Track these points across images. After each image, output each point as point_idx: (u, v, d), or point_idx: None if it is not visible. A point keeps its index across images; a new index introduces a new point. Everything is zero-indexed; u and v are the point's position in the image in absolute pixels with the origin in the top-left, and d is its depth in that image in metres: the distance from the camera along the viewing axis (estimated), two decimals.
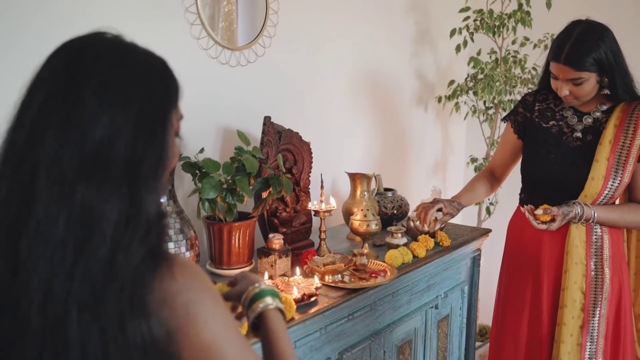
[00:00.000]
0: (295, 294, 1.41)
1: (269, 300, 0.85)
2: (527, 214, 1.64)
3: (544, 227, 1.62)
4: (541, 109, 1.78)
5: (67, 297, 0.59)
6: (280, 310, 0.86)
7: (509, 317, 1.84)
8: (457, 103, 2.64)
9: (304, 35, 2.09)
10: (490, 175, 1.92)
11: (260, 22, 1.90)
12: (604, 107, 1.70)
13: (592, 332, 1.67)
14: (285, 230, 1.79)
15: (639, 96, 1.67)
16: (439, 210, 1.74)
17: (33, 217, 0.60)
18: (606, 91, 1.64)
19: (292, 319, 1.34)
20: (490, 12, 2.40)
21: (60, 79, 0.64)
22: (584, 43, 1.57)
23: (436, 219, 1.77)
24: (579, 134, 1.71)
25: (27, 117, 0.63)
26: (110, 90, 0.63)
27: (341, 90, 2.32)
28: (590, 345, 1.67)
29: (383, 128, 2.56)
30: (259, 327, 0.85)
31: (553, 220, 1.61)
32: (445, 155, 3.01)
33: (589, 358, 1.67)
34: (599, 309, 1.66)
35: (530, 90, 2.11)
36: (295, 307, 1.34)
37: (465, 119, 2.86)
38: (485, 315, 2.37)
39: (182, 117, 0.73)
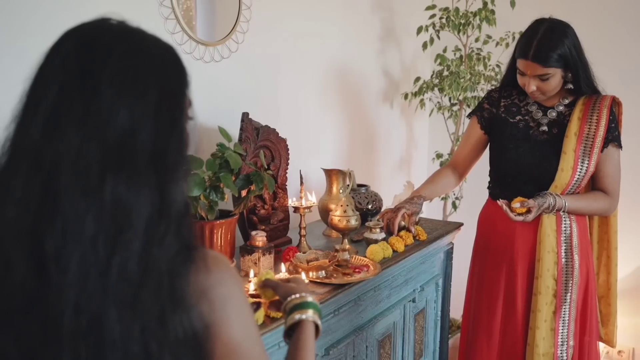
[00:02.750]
0: None
1: (310, 313, 0.85)
2: (504, 207, 1.69)
3: (520, 218, 1.68)
4: (507, 105, 1.84)
5: (104, 295, 0.56)
6: (316, 327, 0.86)
7: (482, 307, 1.88)
8: (422, 100, 2.69)
9: (276, 32, 2.07)
10: (452, 170, 1.95)
11: (233, 18, 1.86)
12: (567, 101, 1.78)
13: (564, 317, 1.74)
14: (263, 227, 1.76)
15: (599, 90, 1.76)
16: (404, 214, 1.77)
17: (59, 215, 0.56)
18: (570, 86, 1.72)
19: (283, 315, 1.32)
20: (456, 10, 2.46)
21: (74, 68, 0.60)
22: (550, 40, 1.64)
23: (407, 227, 1.81)
24: (545, 128, 1.78)
25: (42, 109, 0.58)
26: (126, 80, 0.60)
27: (312, 87, 2.31)
28: (562, 329, 1.74)
29: (352, 124, 2.58)
30: (290, 334, 0.85)
31: (529, 211, 1.67)
32: (410, 152, 3.06)
33: (561, 341, 1.74)
34: (569, 294, 1.73)
35: (493, 87, 2.18)
36: None
37: (430, 115, 2.92)
38: (451, 309, 2.40)
39: (191, 103, 0.71)
